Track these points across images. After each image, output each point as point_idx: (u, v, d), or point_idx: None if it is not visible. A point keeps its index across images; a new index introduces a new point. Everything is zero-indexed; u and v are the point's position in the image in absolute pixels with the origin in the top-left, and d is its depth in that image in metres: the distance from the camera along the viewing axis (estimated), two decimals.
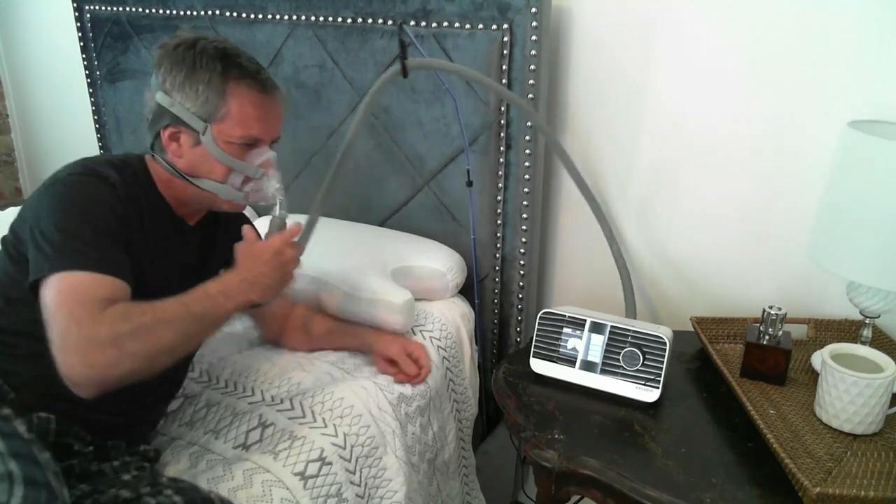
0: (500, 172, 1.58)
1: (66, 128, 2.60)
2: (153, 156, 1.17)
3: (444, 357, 1.50)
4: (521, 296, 1.67)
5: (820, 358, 1.14)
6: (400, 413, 1.34)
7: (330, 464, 1.17)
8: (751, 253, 1.48)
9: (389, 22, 1.59)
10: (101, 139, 2.32)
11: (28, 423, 0.94)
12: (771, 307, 1.21)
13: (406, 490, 1.28)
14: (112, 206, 1.05)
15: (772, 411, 1.13)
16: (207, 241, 1.26)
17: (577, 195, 1.55)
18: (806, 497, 0.93)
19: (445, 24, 1.53)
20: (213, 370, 1.37)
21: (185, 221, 1.21)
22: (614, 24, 1.50)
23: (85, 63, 2.21)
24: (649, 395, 1.19)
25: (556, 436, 1.12)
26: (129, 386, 0.96)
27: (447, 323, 1.55)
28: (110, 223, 1.03)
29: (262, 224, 1.26)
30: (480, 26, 1.49)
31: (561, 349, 1.25)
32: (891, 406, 1.07)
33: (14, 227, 1.07)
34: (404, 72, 1.34)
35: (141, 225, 1.11)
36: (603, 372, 1.22)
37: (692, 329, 1.36)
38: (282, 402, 1.25)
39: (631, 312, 1.52)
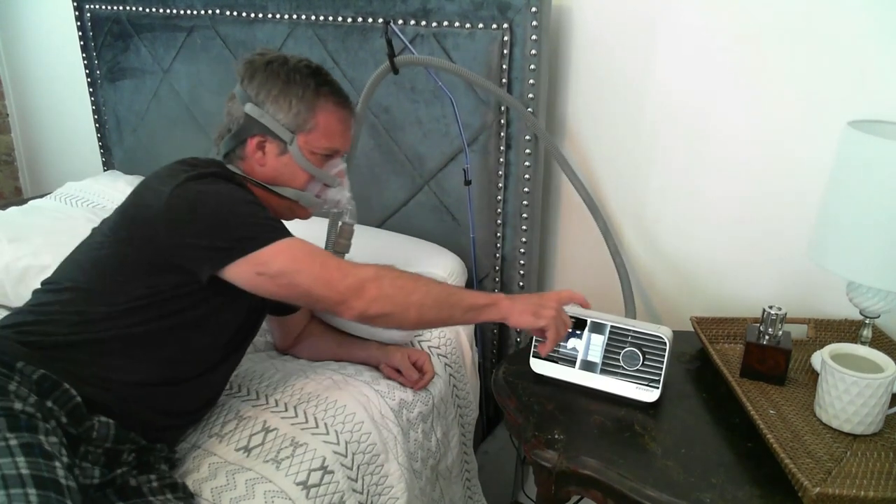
0: (499, 172, 1.58)
1: (66, 127, 2.60)
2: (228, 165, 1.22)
3: (446, 364, 1.50)
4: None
5: (820, 358, 1.14)
6: (402, 419, 1.34)
7: (332, 472, 1.16)
8: (751, 253, 1.48)
9: (391, 21, 1.59)
10: (101, 139, 2.32)
11: (77, 429, 1.00)
12: (771, 307, 1.21)
13: (407, 497, 1.28)
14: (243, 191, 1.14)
15: (772, 411, 1.13)
16: None
17: (577, 195, 1.55)
18: (806, 497, 0.93)
19: (445, 23, 1.53)
20: None
21: None
22: (614, 23, 1.50)
23: (85, 62, 2.21)
24: (649, 395, 1.19)
25: (556, 436, 1.12)
26: (183, 389, 1.12)
27: (447, 330, 1.55)
28: (257, 201, 1.14)
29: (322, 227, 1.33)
30: (480, 26, 1.49)
31: (561, 349, 1.25)
32: (891, 406, 1.07)
33: (143, 239, 1.08)
34: (394, 68, 1.38)
35: None
36: (603, 372, 1.22)
37: (692, 329, 1.36)
38: (286, 407, 1.25)
39: (630, 312, 1.52)
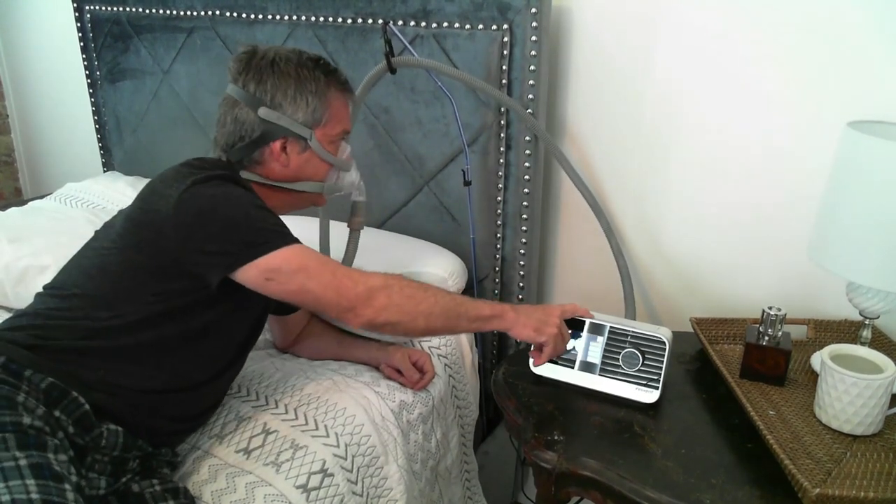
0: (499, 173, 1.58)
1: (66, 128, 2.60)
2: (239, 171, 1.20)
3: (445, 365, 1.50)
4: (521, 296, 1.67)
5: (819, 359, 1.14)
6: (402, 421, 1.34)
7: (332, 475, 1.16)
8: (750, 253, 1.48)
9: (390, 22, 1.59)
10: (101, 139, 2.32)
11: (84, 439, 1.00)
12: (771, 308, 1.21)
13: (407, 498, 1.28)
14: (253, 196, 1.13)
15: (771, 412, 1.13)
16: None
17: (577, 195, 1.55)
18: (805, 498, 0.93)
19: (445, 24, 1.53)
20: None
21: None
22: (614, 24, 1.50)
23: (85, 63, 2.21)
24: (649, 395, 1.19)
25: (556, 437, 1.12)
26: (189, 394, 1.12)
27: None
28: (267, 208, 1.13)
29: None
30: (480, 26, 1.49)
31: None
32: (890, 407, 1.07)
33: (154, 246, 1.07)
34: (391, 68, 1.38)
35: None
36: (602, 373, 1.22)
37: (692, 330, 1.36)
38: (286, 409, 1.25)
39: (630, 313, 1.52)
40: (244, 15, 1.80)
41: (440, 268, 1.58)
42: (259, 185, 1.18)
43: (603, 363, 1.22)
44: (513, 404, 1.21)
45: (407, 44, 1.55)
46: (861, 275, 1.14)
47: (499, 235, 1.64)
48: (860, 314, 1.22)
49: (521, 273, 1.64)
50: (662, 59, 1.47)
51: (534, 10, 1.43)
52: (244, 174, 1.18)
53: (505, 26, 1.47)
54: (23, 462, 0.88)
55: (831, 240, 1.17)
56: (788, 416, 1.12)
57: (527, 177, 1.56)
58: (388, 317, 1.08)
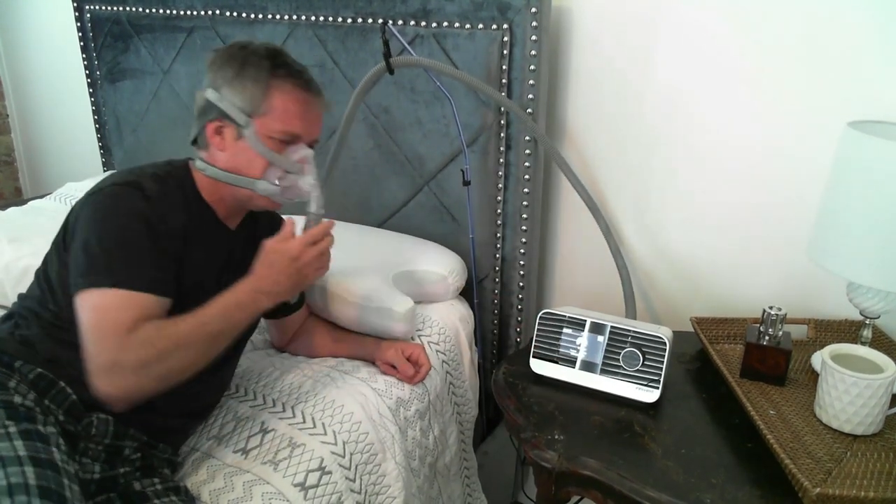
0: (499, 173, 1.58)
1: (66, 128, 2.60)
2: (194, 161, 1.21)
3: (443, 361, 1.50)
4: (520, 296, 1.67)
5: (820, 358, 1.14)
6: (399, 418, 1.34)
7: (330, 473, 1.16)
8: (751, 253, 1.48)
9: (390, 22, 1.59)
10: (101, 139, 2.32)
11: (76, 427, 1.01)
12: (771, 307, 1.21)
13: (405, 495, 1.28)
14: (149, 219, 1.07)
15: (772, 412, 1.13)
16: (249, 243, 1.27)
17: (577, 195, 1.55)
18: (806, 498, 0.93)
19: (445, 24, 1.53)
20: None
21: (227, 227, 1.23)
22: (614, 24, 1.50)
23: (85, 63, 2.21)
24: (649, 395, 1.19)
25: (556, 436, 1.12)
26: (182, 391, 1.06)
27: (446, 326, 1.55)
28: (144, 238, 1.06)
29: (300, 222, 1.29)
30: (480, 26, 1.49)
31: (561, 349, 1.25)
32: (891, 406, 1.07)
33: (68, 226, 1.11)
34: (389, 69, 1.37)
35: (183, 235, 1.13)
36: (603, 372, 1.22)
37: (692, 329, 1.36)
38: (283, 408, 1.25)
39: (631, 313, 1.52)
40: (244, 15, 1.80)
41: (440, 266, 1.58)
42: (207, 175, 1.18)
43: (603, 362, 1.22)
44: (513, 404, 1.21)
45: (406, 44, 1.55)
46: (861, 275, 1.14)
47: (499, 235, 1.64)
48: (860, 314, 1.22)
49: (521, 273, 1.64)
50: (662, 58, 1.47)
51: (534, 9, 1.43)
52: (198, 164, 1.19)
53: (505, 26, 1.47)
54: (12, 430, 0.91)
55: (831, 240, 1.17)
56: (789, 415, 1.12)
57: (527, 177, 1.56)
58: (141, 390, 1.00)
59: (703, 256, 1.54)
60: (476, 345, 1.67)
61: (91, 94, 2.25)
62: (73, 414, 1.03)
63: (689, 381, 1.28)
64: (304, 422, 1.22)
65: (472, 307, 1.67)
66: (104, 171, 2.35)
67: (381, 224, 1.78)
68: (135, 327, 0.99)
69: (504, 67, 1.50)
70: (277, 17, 1.76)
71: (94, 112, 2.28)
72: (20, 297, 1.18)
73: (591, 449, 1.09)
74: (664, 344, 1.18)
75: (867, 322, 1.22)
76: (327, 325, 1.48)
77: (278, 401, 1.27)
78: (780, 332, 1.21)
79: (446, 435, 1.50)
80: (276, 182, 1.17)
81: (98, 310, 1.00)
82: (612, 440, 1.11)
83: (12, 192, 2.86)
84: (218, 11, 1.85)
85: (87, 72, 2.22)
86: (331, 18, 1.68)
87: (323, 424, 1.22)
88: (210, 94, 1.16)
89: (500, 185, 1.59)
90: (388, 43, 1.40)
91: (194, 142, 1.21)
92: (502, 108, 1.53)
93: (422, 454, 1.39)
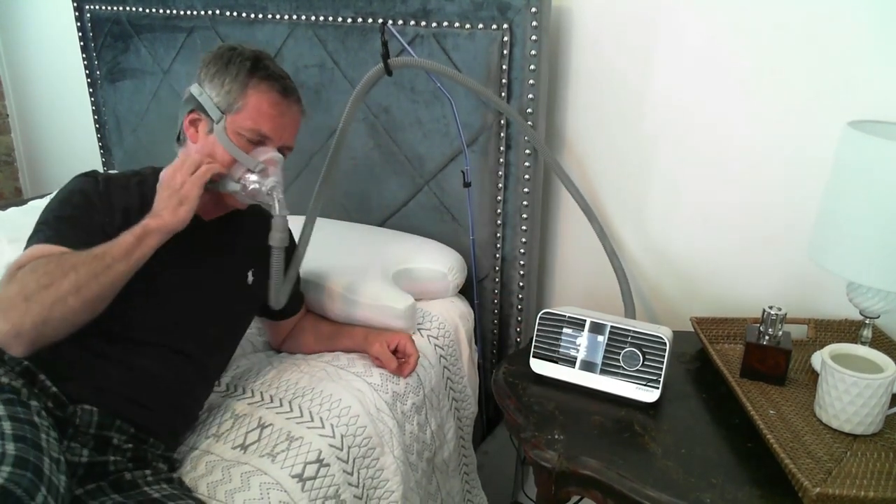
0: (499, 173, 1.58)
1: (66, 128, 2.60)
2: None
3: (441, 356, 1.50)
4: (521, 296, 1.67)
5: (820, 358, 1.14)
6: (397, 412, 1.34)
7: (328, 465, 1.17)
8: (751, 253, 1.48)
9: (389, 22, 1.59)
10: (101, 139, 2.32)
11: (63, 413, 1.03)
12: (771, 307, 1.21)
13: (403, 490, 1.28)
14: (89, 195, 1.16)
15: (772, 412, 1.13)
16: (227, 232, 1.29)
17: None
18: (806, 497, 0.93)
19: (445, 23, 1.53)
20: None
21: (200, 217, 1.22)
22: (614, 24, 1.50)
23: (85, 63, 2.21)
24: (649, 395, 1.19)
25: (556, 436, 1.12)
26: (164, 378, 1.13)
27: (445, 322, 1.55)
28: (77, 208, 1.14)
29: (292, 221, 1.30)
30: (480, 26, 1.49)
31: (561, 349, 1.25)
32: (891, 406, 1.07)
33: None
34: (388, 70, 1.38)
35: (124, 214, 1.16)
36: (603, 372, 1.22)
37: (692, 329, 1.36)
38: (280, 403, 1.25)
39: (629, 313, 1.52)
40: (244, 14, 1.80)
41: (439, 263, 1.58)
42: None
43: (603, 362, 1.22)
44: (513, 403, 1.21)
45: (406, 45, 1.55)
46: (861, 275, 1.14)
47: (499, 235, 1.64)
48: (860, 314, 1.22)
49: (521, 273, 1.64)
50: (662, 58, 1.47)
51: (534, 9, 1.43)
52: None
53: (505, 26, 1.47)
54: None
55: (831, 240, 1.17)
56: (789, 415, 1.12)
57: (527, 177, 1.56)
58: (33, 319, 0.99)
59: (703, 256, 1.54)
60: (476, 344, 1.67)
61: (91, 94, 2.25)
62: (58, 404, 1.04)
63: (689, 381, 1.28)
64: (302, 416, 1.23)
65: (472, 307, 1.67)
66: (104, 170, 2.35)
67: (381, 224, 1.78)
68: (27, 264, 1.04)
69: (504, 67, 1.50)
70: (277, 17, 1.76)
71: (94, 112, 2.28)
72: None
73: (591, 449, 1.09)
74: (664, 344, 1.18)
75: (867, 322, 1.22)
76: (319, 322, 1.49)
77: (276, 397, 1.27)
78: (780, 332, 1.21)
79: (444, 430, 1.50)
80: (239, 179, 1.18)
81: (16, 263, 1.06)
82: (612, 440, 1.11)
83: (12, 192, 2.86)
84: (218, 11, 1.85)
85: (87, 72, 2.22)
86: (331, 18, 1.68)
87: (321, 418, 1.22)
88: (193, 89, 1.21)
89: (500, 186, 1.59)
90: (386, 44, 1.40)
91: (178, 138, 1.25)
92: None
93: (419, 449, 1.39)
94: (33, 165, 2.84)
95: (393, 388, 1.36)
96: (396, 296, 1.44)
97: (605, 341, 1.22)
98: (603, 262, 1.59)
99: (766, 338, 1.21)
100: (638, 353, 1.19)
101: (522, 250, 1.63)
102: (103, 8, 2.08)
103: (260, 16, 1.78)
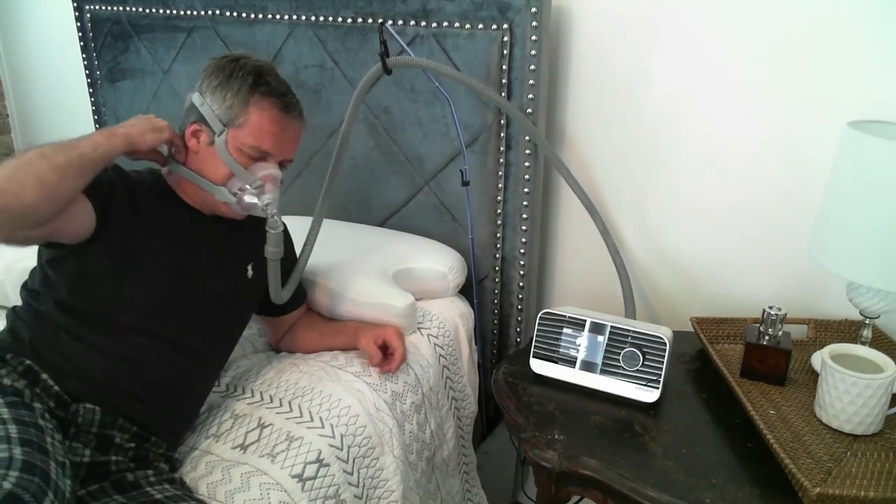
0: (499, 172, 1.58)
1: (66, 128, 2.56)
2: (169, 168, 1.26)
3: (440, 355, 1.50)
4: (521, 296, 1.67)
5: (820, 358, 1.14)
6: (396, 411, 1.34)
7: (328, 465, 1.17)
8: (751, 253, 1.48)
9: (389, 22, 1.59)
10: None
11: (65, 413, 1.05)
12: (771, 307, 1.21)
13: (403, 489, 1.28)
14: (106, 174, 1.15)
15: (772, 412, 1.13)
16: (224, 230, 1.30)
17: (577, 195, 1.55)
18: (806, 497, 0.93)
19: (445, 23, 1.53)
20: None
21: (200, 212, 1.26)
22: (614, 24, 1.50)
23: (85, 63, 2.21)
24: (649, 395, 1.19)
25: (556, 436, 1.12)
26: (163, 372, 1.15)
27: (445, 321, 1.55)
28: (94, 181, 1.11)
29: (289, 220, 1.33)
30: (480, 26, 1.49)
31: (561, 349, 1.25)
32: (891, 406, 1.07)
33: None
34: (386, 69, 1.40)
35: (131, 200, 1.18)
36: (603, 372, 1.22)
37: (692, 329, 1.36)
38: (280, 403, 1.26)
39: (630, 312, 1.52)
40: (244, 15, 1.80)
41: (439, 262, 1.58)
42: (175, 173, 1.23)
43: (603, 362, 1.22)
44: (513, 404, 1.22)
45: (404, 45, 1.55)
46: (861, 275, 1.14)
47: (499, 235, 1.64)
48: (860, 314, 1.22)
49: (521, 273, 1.64)
50: (662, 58, 1.47)
51: (534, 9, 1.43)
52: (169, 165, 1.24)
53: (505, 26, 1.47)
54: None
55: (831, 240, 1.17)
56: (789, 415, 1.12)
57: (527, 177, 1.56)
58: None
59: (703, 256, 1.54)
60: (476, 344, 1.67)
61: (91, 94, 2.25)
62: (61, 403, 1.06)
63: (689, 381, 1.28)
64: (302, 416, 1.23)
65: (472, 306, 1.67)
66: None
67: (381, 224, 1.78)
68: None
69: (504, 67, 1.50)
70: (277, 17, 1.76)
71: (94, 112, 2.28)
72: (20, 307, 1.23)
73: (591, 449, 1.09)
74: (664, 344, 1.18)
75: (867, 322, 1.22)
76: (316, 319, 1.49)
77: (275, 397, 1.27)
78: (780, 332, 1.21)
79: (444, 429, 1.50)
80: (236, 192, 1.20)
81: None
82: (612, 440, 1.11)
83: None
84: (218, 11, 1.84)
85: (87, 72, 2.22)
86: (331, 18, 1.68)
87: (321, 418, 1.23)
88: (195, 98, 1.22)
89: (499, 185, 1.59)
90: (385, 43, 1.40)
91: (169, 152, 1.25)
92: (502, 109, 1.53)
93: (419, 448, 1.40)
94: None
95: (391, 388, 1.36)
96: (396, 294, 1.45)
97: (606, 341, 1.22)
98: (603, 262, 1.59)
99: (766, 338, 1.21)
100: (638, 353, 1.19)
101: (522, 250, 1.63)
102: (103, 8, 2.08)
103: (260, 16, 1.78)
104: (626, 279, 1.52)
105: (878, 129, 1.16)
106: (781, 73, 1.35)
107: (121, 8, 2.04)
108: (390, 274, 1.52)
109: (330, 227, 1.63)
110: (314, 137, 1.78)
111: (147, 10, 1.98)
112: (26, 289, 1.20)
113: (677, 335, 1.28)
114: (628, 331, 1.21)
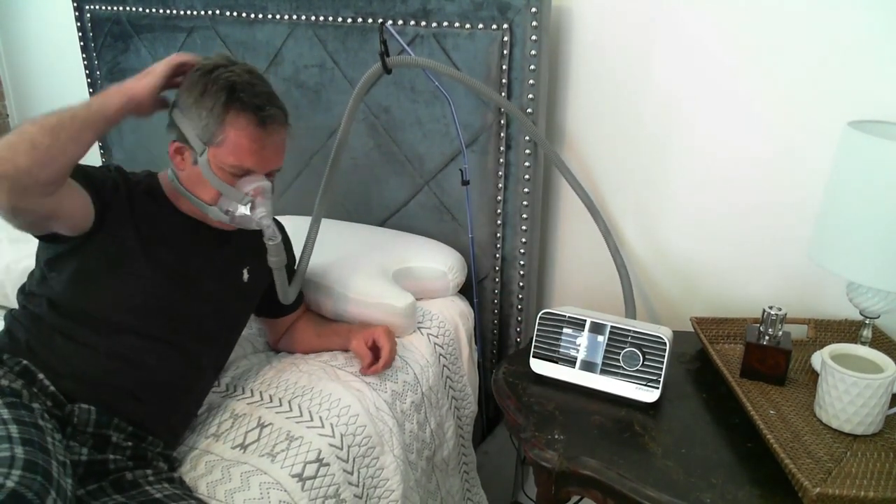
0: (499, 172, 1.58)
1: None
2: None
3: (440, 354, 1.50)
4: (521, 296, 1.67)
5: (820, 358, 1.14)
6: (396, 411, 1.34)
7: (328, 465, 1.17)
8: (751, 253, 1.48)
9: (389, 22, 1.59)
10: (101, 139, 2.31)
11: (62, 412, 1.06)
12: (771, 307, 1.21)
13: (403, 488, 1.28)
14: (108, 173, 1.18)
15: (772, 412, 1.13)
16: (219, 234, 1.29)
17: (577, 195, 1.55)
18: (806, 497, 0.93)
19: (445, 23, 1.53)
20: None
21: (193, 217, 1.25)
22: (614, 24, 1.50)
23: (85, 63, 2.21)
24: (649, 395, 1.19)
25: (556, 436, 1.12)
26: (156, 370, 1.15)
27: (445, 321, 1.55)
28: (95, 175, 1.15)
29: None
30: (480, 26, 1.49)
31: (561, 349, 1.25)
32: (890, 406, 1.07)
33: None
34: (386, 68, 1.40)
35: (130, 200, 1.18)
36: (603, 372, 1.22)
37: (692, 329, 1.36)
38: (280, 402, 1.26)
39: (630, 312, 1.52)
40: (244, 14, 1.80)
41: (439, 262, 1.58)
42: (171, 182, 1.23)
43: (603, 362, 1.22)
44: (513, 403, 1.22)
45: (404, 44, 1.55)
46: (861, 275, 1.14)
47: (499, 235, 1.64)
48: (860, 314, 1.22)
49: (521, 273, 1.64)
50: (662, 59, 1.47)
51: (534, 9, 1.43)
52: (169, 172, 1.24)
53: (505, 26, 1.47)
54: None
55: (831, 240, 1.17)
56: (789, 415, 1.12)
57: (527, 177, 1.56)
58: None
59: (703, 256, 1.54)
60: (476, 344, 1.67)
61: (91, 94, 2.25)
62: (57, 403, 1.06)
63: (689, 381, 1.28)
64: (302, 415, 1.23)
65: (472, 306, 1.67)
66: None
67: (381, 224, 1.78)
68: None
69: (504, 67, 1.50)
70: (277, 17, 1.75)
71: None
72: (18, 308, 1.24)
73: (591, 449, 1.09)
74: (664, 344, 1.18)
75: (867, 322, 1.22)
76: (313, 319, 1.49)
77: (275, 396, 1.27)
78: (780, 332, 1.21)
79: (444, 429, 1.50)
80: (227, 210, 1.19)
81: None
82: (612, 440, 1.11)
83: None
84: (218, 11, 1.84)
85: (87, 72, 2.22)
86: (331, 18, 1.68)
87: (320, 418, 1.23)
88: (175, 114, 1.18)
89: (499, 185, 1.59)
90: (385, 42, 1.40)
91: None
92: (502, 108, 1.53)
93: (419, 447, 1.40)
94: None
95: (391, 387, 1.36)
96: (396, 294, 1.45)
97: (605, 341, 1.22)
98: (603, 262, 1.59)
99: (766, 338, 1.21)
100: (638, 353, 1.19)
101: (522, 250, 1.63)
102: (103, 8, 2.08)
103: (260, 16, 1.78)
104: (627, 279, 1.52)
105: (878, 129, 1.16)
106: (782, 72, 1.35)
107: (121, 8, 2.04)
108: (390, 273, 1.52)
109: (330, 226, 1.63)
110: (314, 137, 1.78)
111: (147, 10, 1.98)
112: (23, 292, 1.21)
113: (677, 335, 1.28)
114: (628, 331, 1.21)
